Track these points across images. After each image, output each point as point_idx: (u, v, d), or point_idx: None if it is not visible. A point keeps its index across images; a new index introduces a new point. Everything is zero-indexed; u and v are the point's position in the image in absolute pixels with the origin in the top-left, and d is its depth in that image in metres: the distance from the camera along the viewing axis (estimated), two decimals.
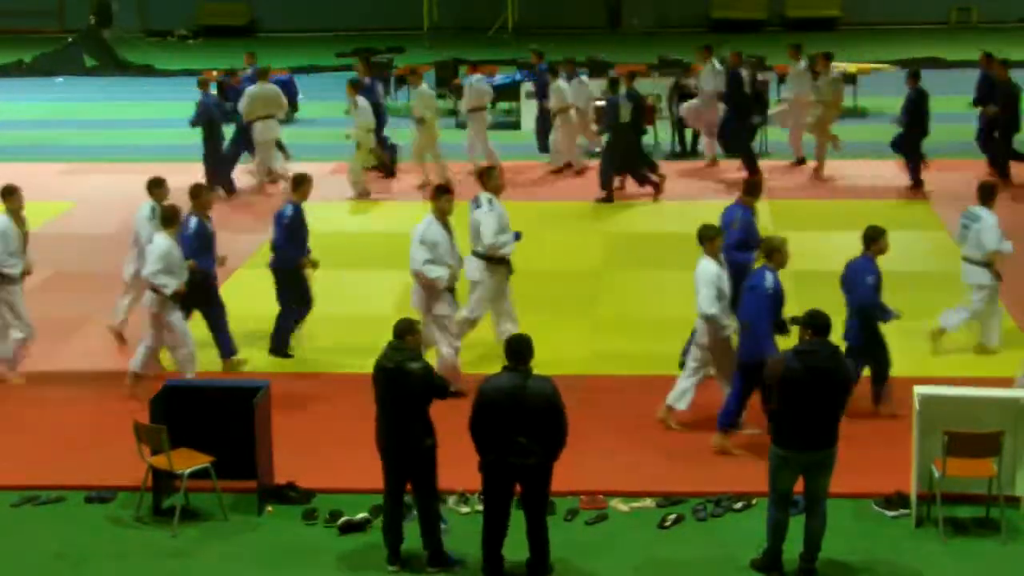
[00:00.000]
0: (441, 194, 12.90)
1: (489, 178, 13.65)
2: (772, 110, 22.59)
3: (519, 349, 9.29)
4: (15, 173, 21.50)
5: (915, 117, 19.76)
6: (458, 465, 9.72)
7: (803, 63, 22.00)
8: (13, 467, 11.37)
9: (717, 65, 21.60)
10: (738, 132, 21.03)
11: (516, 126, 24.70)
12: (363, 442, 11.29)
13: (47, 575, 9.85)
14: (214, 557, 9.97)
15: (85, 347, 14.33)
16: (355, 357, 13.50)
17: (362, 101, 20.56)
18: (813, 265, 16.42)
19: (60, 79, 31.99)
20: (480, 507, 9.66)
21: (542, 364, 10.40)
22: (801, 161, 21.71)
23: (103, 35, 36.27)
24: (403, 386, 9.37)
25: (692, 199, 19.85)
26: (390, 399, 9.44)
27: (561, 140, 21.71)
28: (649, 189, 19.75)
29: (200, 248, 13.17)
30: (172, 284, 12.41)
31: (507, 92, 25.74)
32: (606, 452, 11.36)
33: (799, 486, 10.47)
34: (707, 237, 11.84)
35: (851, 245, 17.14)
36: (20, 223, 13.51)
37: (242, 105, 20.74)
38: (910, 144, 19.99)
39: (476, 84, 22.10)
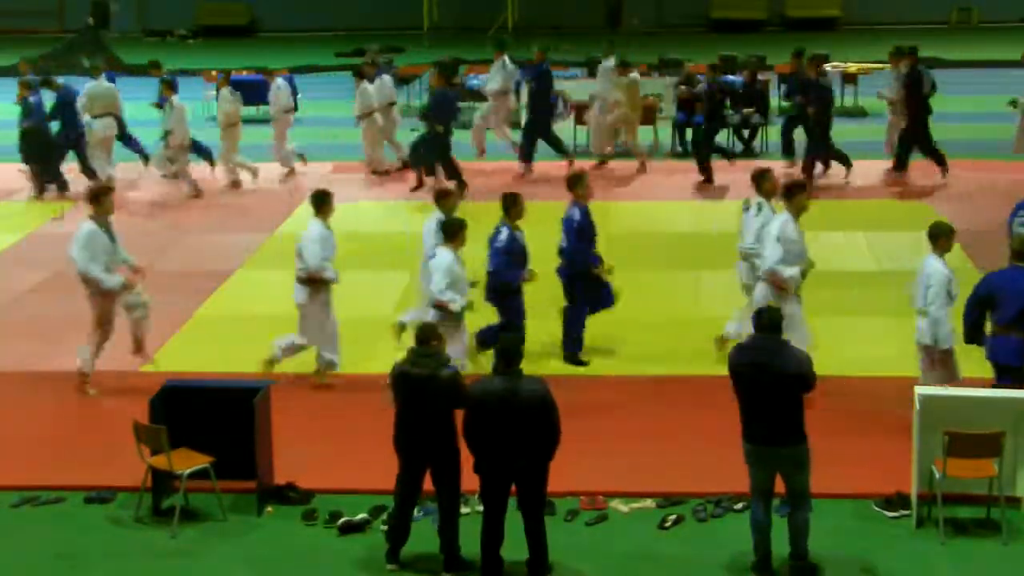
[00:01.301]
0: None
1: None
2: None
3: (510, 351, 9.29)
4: (15, 172, 21.54)
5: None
6: (460, 467, 9.70)
7: (611, 61, 22.01)
8: (13, 467, 11.36)
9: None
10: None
11: (516, 126, 24.67)
12: (363, 442, 11.32)
13: (47, 575, 9.84)
14: (214, 557, 9.96)
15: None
16: (355, 357, 13.50)
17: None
18: None
19: (60, 79, 31.92)
20: (480, 508, 9.66)
21: (543, 365, 10.42)
22: (603, 162, 21.73)
23: (101, 36, 36.23)
24: (435, 393, 9.35)
25: (692, 199, 19.85)
26: (420, 405, 9.42)
27: (367, 144, 21.71)
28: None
29: (512, 262, 12.87)
30: (459, 300, 12.05)
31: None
32: (606, 452, 11.36)
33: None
34: (937, 235, 11.65)
35: (852, 245, 17.25)
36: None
37: (80, 103, 21.01)
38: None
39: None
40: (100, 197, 13.03)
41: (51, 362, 13.83)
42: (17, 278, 16.63)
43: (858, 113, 26.14)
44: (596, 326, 13.77)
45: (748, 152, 22.57)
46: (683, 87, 22.87)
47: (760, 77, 24.27)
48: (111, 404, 12.41)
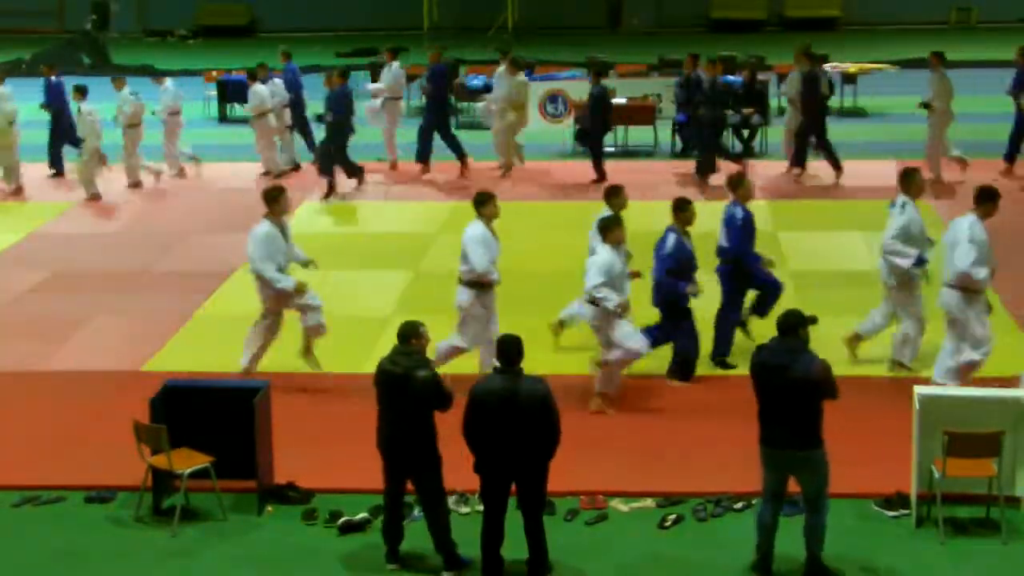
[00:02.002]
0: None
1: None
2: (480, 105, 23.02)
3: (510, 351, 9.28)
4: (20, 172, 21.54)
5: None
6: (458, 466, 9.70)
7: (503, 65, 22.13)
8: (13, 467, 11.37)
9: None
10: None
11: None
12: (363, 442, 11.29)
13: (47, 575, 9.84)
14: (214, 557, 9.97)
15: (85, 347, 14.32)
16: (355, 357, 13.51)
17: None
18: (813, 265, 16.46)
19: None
20: (480, 507, 9.66)
21: (542, 365, 10.42)
22: (507, 168, 21.67)
23: (100, 37, 36.24)
24: (411, 392, 9.34)
25: (692, 200, 19.81)
26: (396, 404, 9.42)
27: (261, 146, 21.69)
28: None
29: (680, 270, 12.72)
30: (614, 298, 11.85)
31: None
32: (606, 452, 11.36)
33: (794, 486, 10.53)
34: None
35: (852, 245, 17.25)
36: (493, 232, 12.86)
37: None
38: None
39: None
40: (276, 197, 12.86)
41: (51, 362, 13.84)
42: (17, 278, 16.63)
43: (857, 113, 26.15)
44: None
45: (748, 152, 22.56)
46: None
47: (760, 77, 24.29)
48: (111, 404, 12.40)
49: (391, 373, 9.41)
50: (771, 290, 13.43)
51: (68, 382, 13.26)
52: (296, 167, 21.92)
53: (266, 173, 21.44)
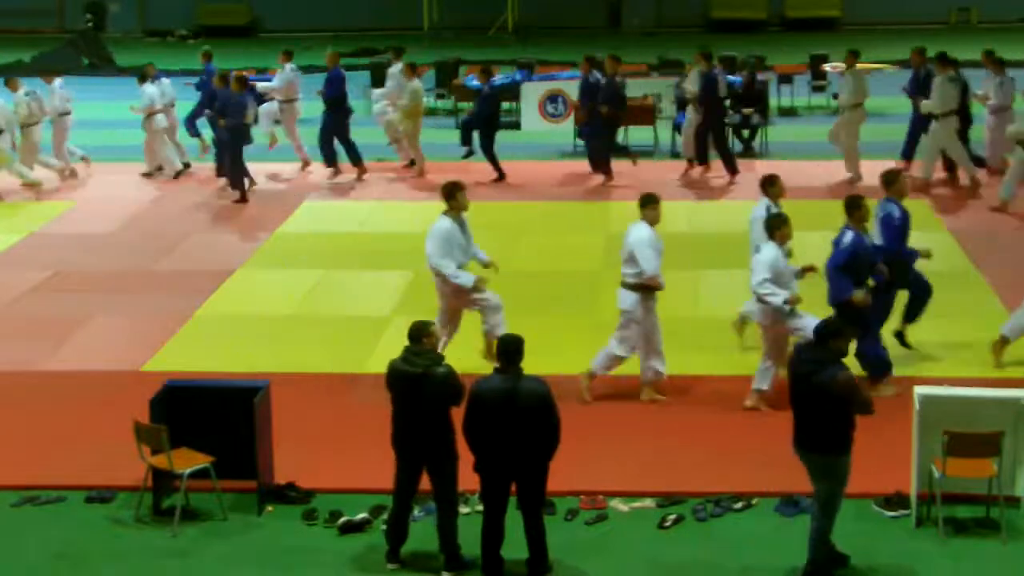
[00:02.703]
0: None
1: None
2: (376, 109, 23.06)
3: (510, 350, 9.28)
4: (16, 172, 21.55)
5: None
6: (458, 465, 9.70)
7: (398, 66, 22.24)
8: (13, 467, 11.36)
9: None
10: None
11: (516, 126, 24.72)
12: (363, 442, 11.32)
13: (47, 575, 9.84)
14: (214, 557, 9.97)
15: (85, 347, 14.32)
16: (355, 357, 13.51)
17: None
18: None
19: (60, 79, 31.95)
20: (480, 507, 9.66)
21: (543, 365, 10.41)
22: (409, 164, 21.87)
23: (98, 36, 36.25)
24: (430, 391, 9.35)
25: (691, 200, 19.85)
26: (414, 403, 9.41)
27: (151, 145, 21.72)
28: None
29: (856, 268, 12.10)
30: (781, 294, 11.69)
31: (507, 92, 25.75)
32: (606, 452, 11.36)
33: (800, 486, 10.54)
34: None
35: None
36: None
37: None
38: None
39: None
40: (455, 193, 12.70)
41: (51, 362, 13.84)
42: (17, 278, 16.63)
43: None
44: (596, 326, 13.77)
45: (748, 153, 22.56)
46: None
47: (760, 77, 24.29)
48: (111, 404, 12.40)
49: (408, 373, 9.41)
50: (921, 294, 13.12)
51: (68, 382, 13.26)
52: (187, 166, 21.95)
53: (148, 174, 21.69)
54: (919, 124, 20.50)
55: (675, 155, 22.72)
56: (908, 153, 20.87)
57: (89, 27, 36.88)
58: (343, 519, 10.25)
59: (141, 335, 14.54)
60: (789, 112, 26.62)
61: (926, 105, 19.77)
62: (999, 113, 20.26)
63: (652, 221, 12.26)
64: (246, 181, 20.17)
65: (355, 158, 21.37)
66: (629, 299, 12.25)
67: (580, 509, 10.45)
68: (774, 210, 12.82)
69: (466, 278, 12.64)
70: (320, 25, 40.08)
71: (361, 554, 9.88)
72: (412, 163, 21.92)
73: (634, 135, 23.23)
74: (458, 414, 9.40)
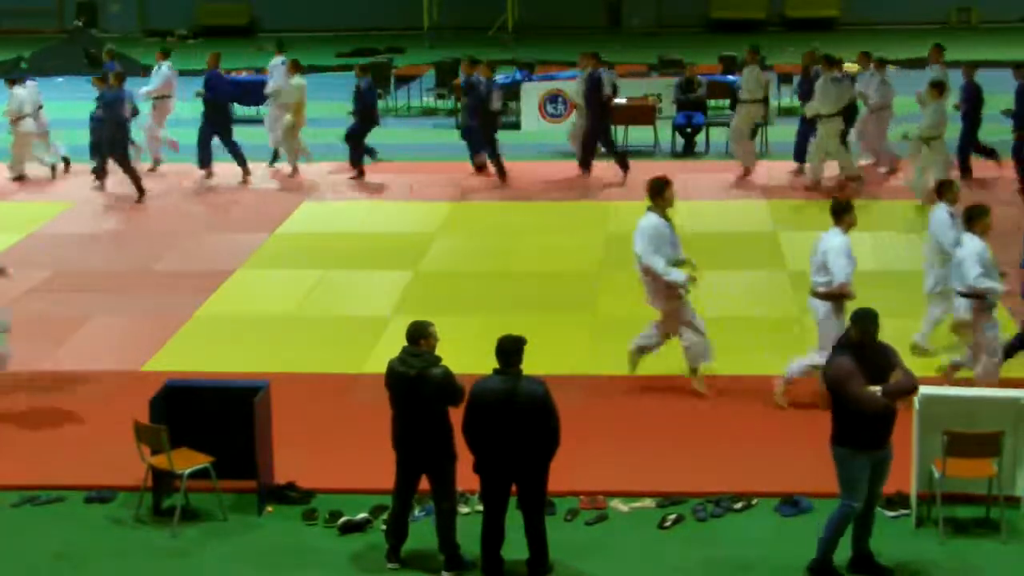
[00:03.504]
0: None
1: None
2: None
3: (510, 351, 9.28)
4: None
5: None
6: (458, 465, 9.71)
7: (280, 59, 22.25)
8: (13, 467, 11.37)
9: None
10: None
11: (516, 126, 24.71)
12: (363, 442, 11.32)
13: (47, 575, 9.84)
14: (214, 557, 9.97)
15: (85, 347, 14.32)
16: (355, 357, 13.51)
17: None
18: None
19: (60, 79, 31.99)
20: (480, 508, 9.66)
21: (543, 364, 10.41)
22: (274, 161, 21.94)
23: (90, 35, 36.23)
24: (427, 392, 9.36)
25: (691, 199, 19.82)
26: (411, 404, 9.42)
27: (16, 148, 21.69)
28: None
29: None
30: (998, 286, 11.52)
31: (507, 92, 25.76)
32: (606, 452, 11.36)
33: (800, 486, 10.55)
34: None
35: (852, 244, 17.19)
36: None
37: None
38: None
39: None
40: (662, 190, 12.46)
41: (51, 362, 13.83)
42: (17, 278, 16.59)
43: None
44: (596, 326, 13.78)
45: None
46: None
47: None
48: (111, 404, 12.40)
49: (404, 375, 9.41)
50: None
51: (68, 382, 13.26)
52: (67, 162, 21.97)
53: (18, 178, 21.67)
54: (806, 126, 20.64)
55: (676, 155, 22.74)
56: (801, 155, 20.87)
57: (79, 27, 36.84)
58: (343, 519, 10.25)
59: (141, 335, 14.54)
60: (789, 112, 26.60)
61: (811, 107, 19.90)
62: (880, 112, 20.60)
63: (850, 226, 11.93)
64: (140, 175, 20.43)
65: (240, 159, 21.36)
66: (822, 309, 11.98)
67: (580, 509, 10.45)
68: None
69: (677, 275, 12.32)
70: (320, 25, 40.07)
71: (361, 554, 9.88)
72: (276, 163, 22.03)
73: (634, 135, 23.24)
74: (457, 414, 9.40)
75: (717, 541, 10.00)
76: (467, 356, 12.90)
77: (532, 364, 9.44)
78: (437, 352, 9.56)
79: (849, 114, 20.09)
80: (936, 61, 21.22)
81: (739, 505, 10.43)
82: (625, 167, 20.71)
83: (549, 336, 13.62)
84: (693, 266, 12.60)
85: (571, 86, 23.97)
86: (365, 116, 21.37)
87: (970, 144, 20.52)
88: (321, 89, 29.86)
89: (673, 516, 10.30)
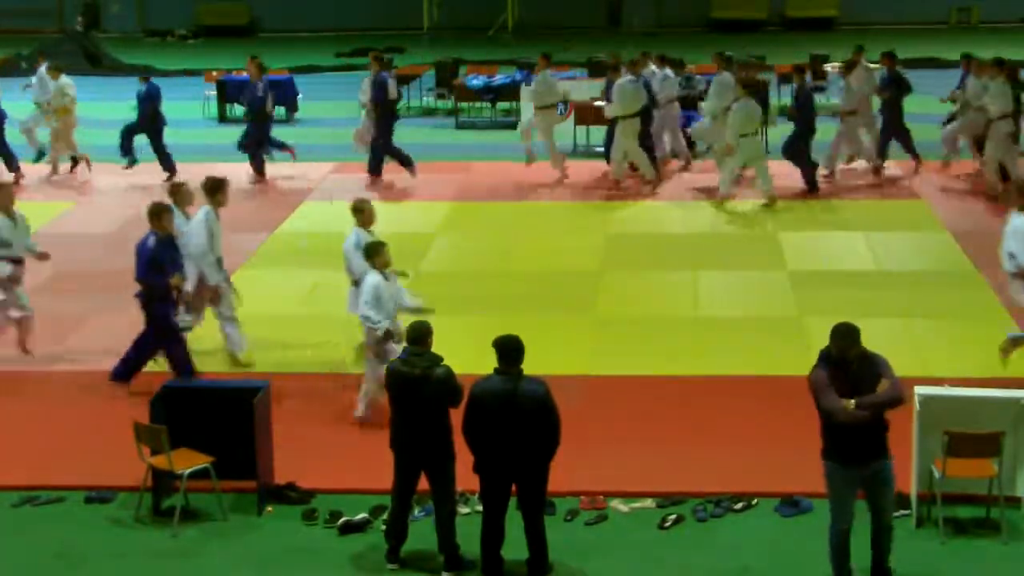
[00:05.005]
0: None
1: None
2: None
3: (510, 351, 9.28)
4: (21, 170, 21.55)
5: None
6: (458, 465, 9.71)
7: (43, 67, 22.48)
8: (13, 467, 11.37)
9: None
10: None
11: (515, 126, 24.70)
12: (363, 442, 11.33)
13: (47, 575, 9.84)
14: (214, 557, 9.96)
15: (85, 347, 14.31)
16: (355, 357, 13.50)
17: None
18: (813, 265, 16.45)
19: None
20: (480, 508, 9.66)
21: (543, 364, 10.40)
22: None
23: (90, 36, 36.24)
24: (430, 392, 9.36)
25: (691, 199, 19.84)
26: (414, 404, 9.42)
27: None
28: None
29: None
30: None
31: (507, 92, 25.78)
32: (606, 452, 11.36)
33: (800, 486, 10.53)
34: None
35: (852, 245, 17.25)
36: None
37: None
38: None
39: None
40: None
41: (51, 362, 13.83)
42: None
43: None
44: (596, 326, 13.78)
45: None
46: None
47: (760, 77, 24.25)
48: (111, 404, 12.40)
49: (407, 375, 9.41)
50: None
51: (68, 382, 13.26)
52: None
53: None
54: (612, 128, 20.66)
55: (676, 155, 22.73)
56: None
57: (78, 28, 36.85)
58: (343, 519, 10.25)
59: None
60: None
61: (610, 109, 20.03)
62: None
63: None
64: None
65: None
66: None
67: (580, 509, 10.45)
68: None
69: None
70: (320, 25, 40.09)
71: (361, 554, 9.88)
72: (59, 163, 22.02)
73: None
74: (457, 414, 9.40)
75: (717, 541, 10.00)
76: (467, 356, 12.96)
77: (532, 364, 9.43)
78: (437, 352, 9.56)
79: (646, 116, 20.20)
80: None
81: (739, 505, 10.43)
82: (409, 166, 20.74)
83: (549, 336, 13.62)
84: None
85: (571, 86, 24.04)
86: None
87: (893, 132, 20.77)
88: (321, 89, 29.93)
89: (673, 516, 10.30)
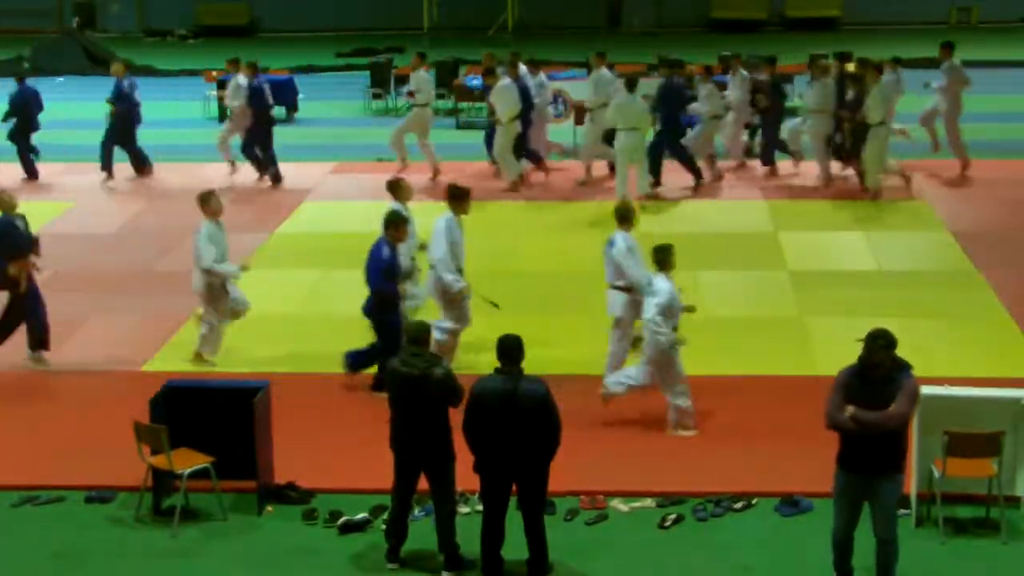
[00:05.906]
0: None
1: None
2: None
3: (510, 351, 9.28)
4: (16, 172, 21.55)
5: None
6: (458, 465, 9.71)
7: None
8: (13, 467, 11.37)
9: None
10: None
11: None
12: (363, 442, 11.32)
13: (47, 575, 9.85)
14: (214, 557, 9.97)
15: (85, 347, 14.32)
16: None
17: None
18: (813, 265, 16.45)
19: (60, 79, 32.01)
20: (480, 507, 9.67)
21: (543, 364, 10.41)
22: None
23: (86, 35, 36.24)
24: (429, 392, 9.35)
25: (691, 199, 19.84)
26: (413, 404, 9.42)
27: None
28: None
29: None
30: None
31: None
32: (606, 452, 11.36)
33: (800, 486, 10.53)
34: None
35: (851, 245, 17.26)
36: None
37: None
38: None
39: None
40: None
41: (51, 362, 13.82)
42: None
43: None
44: (596, 326, 13.76)
45: (747, 152, 22.53)
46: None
47: (760, 77, 24.18)
48: (111, 404, 12.40)
49: (407, 375, 9.41)
50: None
51: (68, 382, 13.26)
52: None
53: None
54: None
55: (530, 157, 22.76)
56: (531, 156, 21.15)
57: (75, 28, 36.85)
58: (343, 519, 10.25)
59: (141, 335, 14.54)
60: (789, 112, 26.59)
61: (505, 113, 20.15)
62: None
63: None
64: None
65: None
66: None
67: (580, 509, 10.45)
68: None
69: None
70: (320, 25, 40.09)
71: (361, 554, 9.88)
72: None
73: None
74: (456, 414, 9.40)
75: (717, 541, 10.00)
76: (467, 356, 12.97)
77: (533, 364, 9.44)
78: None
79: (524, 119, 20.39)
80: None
81: (739, 505, 10.43)
82: (273, 175, 20.88)
83: (549, 336, 13.62)
84: None
85: (571, 86, 24.04)
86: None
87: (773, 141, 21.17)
88: (321, 89, 29.92)
89: (673, 516, 10.30)
